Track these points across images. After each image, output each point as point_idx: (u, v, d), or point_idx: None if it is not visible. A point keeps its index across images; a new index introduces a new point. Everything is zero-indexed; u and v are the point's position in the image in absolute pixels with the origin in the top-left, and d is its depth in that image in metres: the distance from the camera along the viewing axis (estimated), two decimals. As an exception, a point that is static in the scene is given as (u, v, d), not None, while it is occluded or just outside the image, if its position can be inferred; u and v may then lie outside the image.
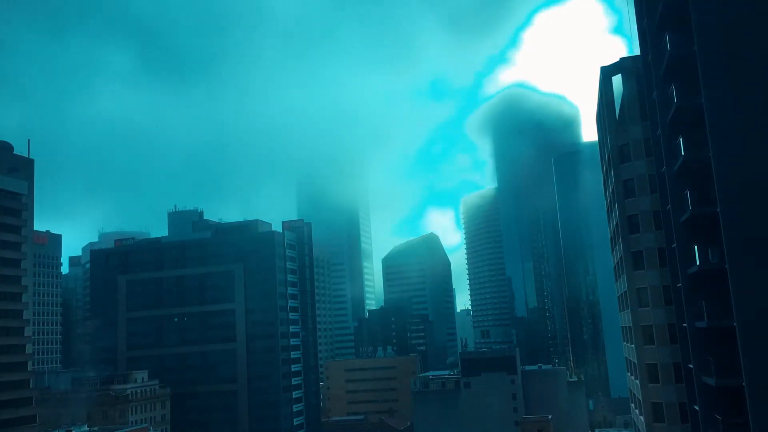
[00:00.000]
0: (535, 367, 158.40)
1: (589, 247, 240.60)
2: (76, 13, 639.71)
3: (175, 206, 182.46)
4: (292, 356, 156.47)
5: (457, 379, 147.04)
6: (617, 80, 61.02)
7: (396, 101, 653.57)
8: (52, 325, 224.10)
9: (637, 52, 56.62)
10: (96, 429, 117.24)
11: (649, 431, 56.10)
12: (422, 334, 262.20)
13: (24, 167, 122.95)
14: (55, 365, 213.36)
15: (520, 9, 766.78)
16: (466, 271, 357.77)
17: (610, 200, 66.90)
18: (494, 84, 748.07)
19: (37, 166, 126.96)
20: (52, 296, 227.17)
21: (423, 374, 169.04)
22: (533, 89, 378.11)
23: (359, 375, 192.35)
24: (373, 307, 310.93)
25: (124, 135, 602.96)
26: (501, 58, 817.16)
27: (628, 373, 66.64)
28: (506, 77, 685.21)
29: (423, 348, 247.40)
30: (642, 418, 58.75)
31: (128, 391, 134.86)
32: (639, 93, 57.27)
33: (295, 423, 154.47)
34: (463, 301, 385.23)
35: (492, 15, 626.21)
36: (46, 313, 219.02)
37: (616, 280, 68.52)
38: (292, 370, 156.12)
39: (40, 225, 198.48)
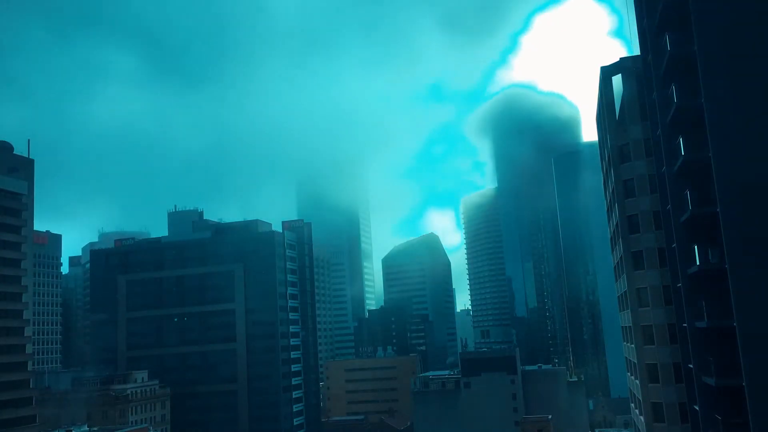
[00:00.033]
0: (535, 367, 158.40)
1: (589, 247, 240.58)
2: (77, 15, 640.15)
3: (175, 206, 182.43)
4: (292, 356, 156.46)
5: (457, 379, 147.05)
6: (617, 80, 61.02)
7: (396, 103, 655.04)
8: (52, 325, 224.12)
9: (636, 52, 56.74)
10: (96, 429, 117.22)
11: (649, 431, 56.10)
12: (422, 334, 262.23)
13: (24, 167, 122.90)
14: (55, 365, 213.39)
15: (519, 10, 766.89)
16: (466, 271, 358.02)
17: (610, 200, 66.91)
18: (494, 85, 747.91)
19: (37, 166, 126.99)
20: (52, 296, 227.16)
21: (423, 374, 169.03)
22: (533, 89, 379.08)
23: (359, 375, 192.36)
24: (373, 307, 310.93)
25: (124, 135, 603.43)
26: (501, 59, 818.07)
27: (628, 373, 66.64)
28: (506, 78, 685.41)
29: (423, 348, 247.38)
30: (642, 418, 58.75)
31: (128, 391, 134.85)
32: (639, 93, 57.27)
33: (295, 423, 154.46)
34: (463, 301, 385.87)
35: (492, 16, 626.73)
36: (46, 313, 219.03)
37: (616, 280, 68.52)
38: (292, 370, 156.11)
39: (40, 225, 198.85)
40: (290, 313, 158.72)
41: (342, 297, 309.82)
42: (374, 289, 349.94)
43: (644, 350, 56.87)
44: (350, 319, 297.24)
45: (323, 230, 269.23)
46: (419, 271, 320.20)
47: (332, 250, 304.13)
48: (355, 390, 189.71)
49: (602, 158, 71.58)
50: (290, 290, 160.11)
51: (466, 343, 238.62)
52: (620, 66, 60.40)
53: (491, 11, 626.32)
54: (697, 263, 43.17)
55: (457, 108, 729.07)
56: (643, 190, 57.20)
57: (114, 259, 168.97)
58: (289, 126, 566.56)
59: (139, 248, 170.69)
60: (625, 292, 60.53)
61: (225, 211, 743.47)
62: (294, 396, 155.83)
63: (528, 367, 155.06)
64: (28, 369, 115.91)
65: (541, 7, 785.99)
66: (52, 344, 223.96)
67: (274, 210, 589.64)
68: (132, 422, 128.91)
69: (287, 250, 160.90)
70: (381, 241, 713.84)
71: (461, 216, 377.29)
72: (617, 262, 66.32)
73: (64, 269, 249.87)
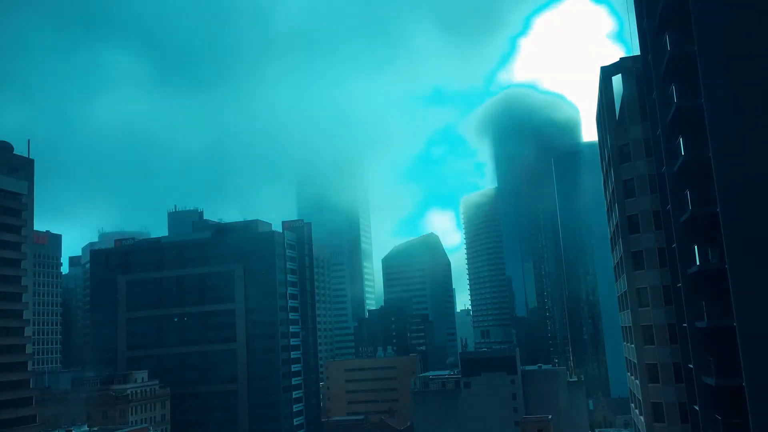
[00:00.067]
0: (535, 367, 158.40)
1: (589, 247, 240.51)
2: (78, 15, 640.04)
3: (175, 206, 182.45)
4: (292, 356, 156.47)
5: (457, 379, 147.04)
6: (617, 80, 61.04)
7: (396, 104, 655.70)
8: (52, 325, 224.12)
9: (635, 53, 56.71)
10: (96, 429, 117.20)
11: (649, 431, 56.10)
12: (422, 334, 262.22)
13: (24, 167, 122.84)
14: (55, 365, 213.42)
15: (519, 11, 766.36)
16: (466, 271, 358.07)
17: (610, 200, 66.91)
18: (495, 86, 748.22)
19: (37, 166, 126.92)
20: (52, 296, 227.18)
21: (423, 374, 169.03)
22: (533, 89, 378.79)
23: (359, 375, 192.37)
24: (373, 307, 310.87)
25: (124, 135, 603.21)
26: (502, 60, 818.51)
27: (628, 373, 66.64)
28: (507, 79, 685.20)
29: (423, 348, 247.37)
30: (642, 418, 58.75)
31: (128, 391, 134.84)
32: (639, 93, 57.27)
33: (295, 423, 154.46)
34: (463, 301, 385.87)
35: (492, 18, 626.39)
36: (46, 313, 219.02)
37: (616, 280, 68.52)
38: (292, 370, 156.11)
39: (40, 225, 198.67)
40: (290, 313, 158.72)
41: (342, 297, 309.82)
42: (374, 289, 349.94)
43: (644, 350, 56.87)
44: (350, 319, 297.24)
45: (323, 230, 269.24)
46: (419, 271, 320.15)
47: (332, 250, 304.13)
48: (355, 390, 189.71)
49: (602, 158, 71.58)
50: (290, 290, 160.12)
51: (466, 343, 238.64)
52: (620, 66, 60.40)
53: (491, 13, 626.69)
54: (697, 263, 43.17)
55: (457, 109, 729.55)
56: (643, 190, 57.21)
57: (114, 259, 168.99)
58: (289, 126, 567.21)
59: (139, 248, 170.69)
60: (625, 292, 60.53)
61: (225, 211, 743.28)
62: (294, 396, 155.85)
63: (528, 367, 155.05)
64: (28, 369, 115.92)
65: (541, 8, 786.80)
66: (52, 344, 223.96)
67: (274, 210, 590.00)
68: (132, 422, 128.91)
69: (287, 250, 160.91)
70: (381, 241, 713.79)
71: (461, 216, 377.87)
72: (617, 262, 66.32)
73: (64, 269, 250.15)
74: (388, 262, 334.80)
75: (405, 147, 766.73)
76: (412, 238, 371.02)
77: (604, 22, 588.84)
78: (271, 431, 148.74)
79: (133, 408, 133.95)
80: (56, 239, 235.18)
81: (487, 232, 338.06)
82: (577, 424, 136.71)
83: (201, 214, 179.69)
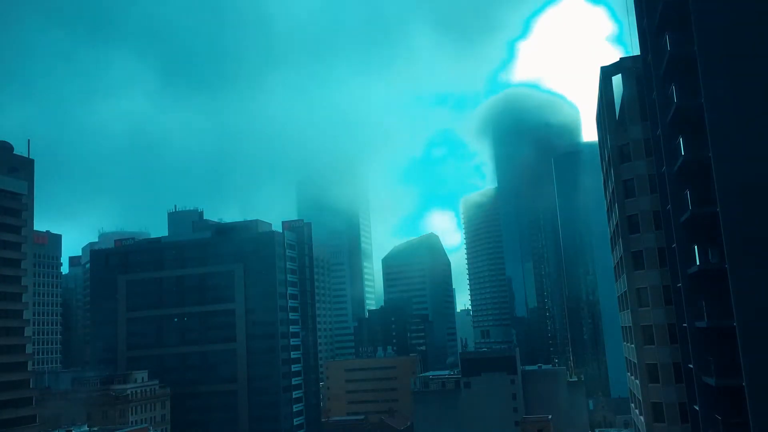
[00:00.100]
0: (535, 367, 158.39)
1: (589, 247, 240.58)
2: (79, 15, 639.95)
3: (175, 206, 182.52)
4: (292, 356, 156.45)
5: (457, 379, 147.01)
6: (617, 80, 61.04)
7: (397, 106, 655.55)
8: (52, 325, 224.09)
9: (635, 52, 56.71)
10: (96, 429, 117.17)
11: (649, 431, 56.10)
12: (422, 334, 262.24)
13: (24, 167, 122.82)
14: (55, 365, 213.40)
15: (519, 12, 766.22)
16: (466, 271, 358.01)
17: (610, 200, 66.92)
18: (495, 87, 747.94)
19: (37, 166, 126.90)
20: (52, 296, 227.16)
21: (423, 374, 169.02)
22: (533, 88, 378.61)
23: (359, 375, 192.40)
24: (373, 307, 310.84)
25: (124, 135, 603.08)
26: (502, 62, 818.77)
27: (628, 373, 66.65)
28: (507, 80, 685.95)
29: (423, 348, 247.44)
30: (642, 418, 58.75)
31: (128, 391, 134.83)
32: (639, 93, 57.27)
33: (295, 423, 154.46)
34: (463, 301, 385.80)
35: (492, 18, 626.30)
36: (46, 313, 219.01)
37: (616, 280, 68.52)
38: (292, 370, 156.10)
39: (40, 225, 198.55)
40: (290, 313, 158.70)
41: (342, 297, 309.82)
42: (374, 289, 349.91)
43: (644, 350, 56.88)
44: (350, 319, 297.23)
45: (323, 230, 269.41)
46: (419, 271, 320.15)
47: (332, 250, 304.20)
48: (355, 390, 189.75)
49: (602, 158, 71.59)
50: (290, 290, 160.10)
51: (466, 343, 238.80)
52: (620, 66, 60.41)
53: (491, 14, 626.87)
54: (697, 263, 43.17)
55: (457, 111, 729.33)
56: (643, 190, 57.21)
57: (114, 259, 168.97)
58: (289, 127, 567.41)
59: (139, 248, 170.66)
60: (625, 292, 60.53)
61: (225, 211, 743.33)
62: (294, 396, 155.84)
63: (528, 367, 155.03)
64: (28, 369, 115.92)
65: (541, 8, 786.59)
66: (52, 344, 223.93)
67: (274, 210, 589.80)
68: (132, 422, 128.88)
69: (287, 250, 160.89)
70: (381, 241, 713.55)
71: (461, 216, 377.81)
72: (617, 262, 66.32)
73: (64, 269, 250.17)
74: (388, 262, 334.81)
75: (405, 148, 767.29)
76: (412, 238, 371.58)
77: (603, 22, 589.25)
78: (271, 431, 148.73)
79: (133, 408, 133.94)
80: (56, 239, 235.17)
81: (487, 232, 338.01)
82: (577, 424, 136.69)
83: (201, 214, 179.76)
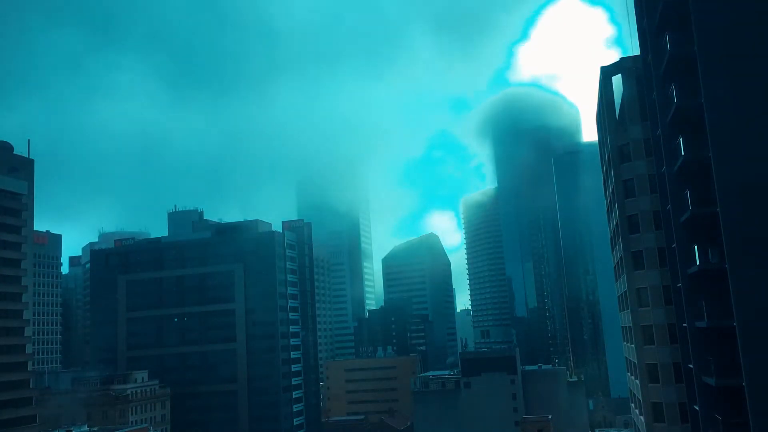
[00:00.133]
0: (535, 367, 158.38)
1: (589, 247, 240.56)
2: (81, 16, 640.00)
3: (175, 206, 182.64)
4: (292, 356, 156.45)
5: (457, 379, 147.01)
6: (617, 80, 61.05)
7: (397, 107, 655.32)
8: (52, 325, 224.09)
9: (634, 53, 56.70)
10: (96, 429, 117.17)
11: (649, 431, 56.10)
12: (422, 334, 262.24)
13: (24, 167, 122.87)
14: (55, 365, 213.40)
15: (519, 13, 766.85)
16: (466, 271, 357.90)
17: (610, 200, 66.92)
18: (495, 88, 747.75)
19: (37, 166, 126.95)
20: (52, 296, 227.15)
21: (423, 374, 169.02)
22: (533, 88, 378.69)
23: (359, 375, 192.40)
24: (373, 307, 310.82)
25: (124, 135, 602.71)
26: (501, 62, 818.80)
27: (628, 373, 66.64)
28: (507, 79, 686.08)
29: (423, 348, 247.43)
30: (642, 418, 58.75)
31: (128, 391, 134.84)
32: (639, 93, 57.26)
33: (295, 423, 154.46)
34: (463, 301, 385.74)
35: (492, 20, 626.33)
36: (46, 313, 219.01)
37: (616, 280, 68.52)
38: (292, 370, 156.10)
39: (40, 225, 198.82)
40: (290, 313, 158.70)
41: (342, 297, 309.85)
42: (374, 289, 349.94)
43: (644, 350, 56.87)
44: (350, 319, 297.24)
45: (323, 230, 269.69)
46: (419, 271, 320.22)
47: (332, 250, 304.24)
48: (355, 390, 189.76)
49: (602, 158, 71.60)
50: (290, 290, 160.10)
51: (466, 343, 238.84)
52: (620, 66, 60.42)
53: (491, 16, 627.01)
54: (697, 263, 43.17)
55: (457, 112, 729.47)
56: (643, 190, 57.21)
57: (114, 259, 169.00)
58: (289, 128, 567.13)
59: (139, 248, 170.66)
60: (625, 292, 60.53)
61: (225, 211, 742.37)
62: (294, 396, 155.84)
63: (528, 367, 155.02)
64: (28, 369, 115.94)
65: (540, 8, 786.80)
66: (52, 344, 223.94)
67: (274, 210, 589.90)
68: (132, 422, 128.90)
69: (287, 250, 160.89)
70: (381, 241, 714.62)
71: (461, 216, 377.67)
72: (617, 262, 66.32)
73: (64, 269, 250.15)
74: (388, 262, 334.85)
75: (405, 148, 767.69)
76: (412, 238, 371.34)
77: (602, 23, 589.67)
78: (271, 431, 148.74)
79: (133, 408, 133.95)
80: (56, 239, 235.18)
81: (487, 232, 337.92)
82: (577, 424, 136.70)
83: (201, 214, 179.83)
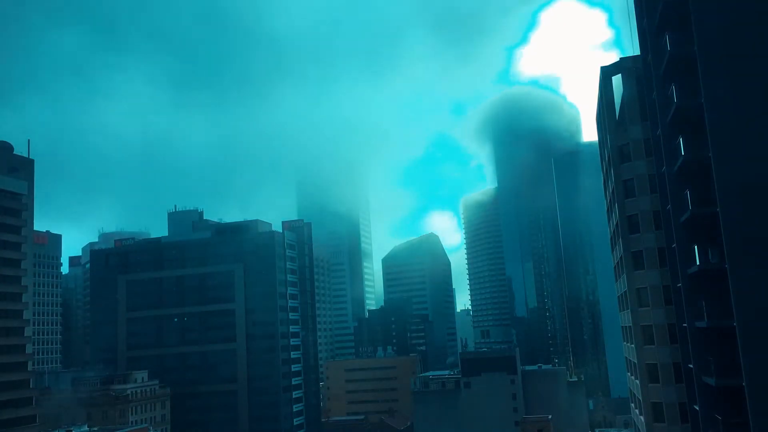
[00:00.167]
0: (535, 367, 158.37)
1: (589, 247, 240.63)
2: (81, 16, 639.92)
3: (175, 206, 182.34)
4: (292, 356, 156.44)
5: (457, 379, 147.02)
6: (617, 80, 61.04)
7: (397, 108, 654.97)
8: (52, 325, 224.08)
9: (634, 53, 56.69)
10: (96, 429, 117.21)
11: (649, 431, 56.10)
12: (422, 334, 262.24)
13: (24, 167, 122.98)
14: (55, 365, 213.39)
15: (519, 13, 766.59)
16: (466, 271, 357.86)
17: (610, 200, 66.92)
18: (495, 88, 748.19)
19: (37, 166, 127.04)
20: (52, 296, 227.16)
21: (423, 374, 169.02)
22: (533, 87, 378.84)
23: (359, 375, 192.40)
24: (373, 307, 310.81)
25: (124, 135, 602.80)
26: (502, 63, 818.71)
27: (628, 373, 66.65)
28: (507, 80, 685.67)
29: (423, 348, 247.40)
30: (642, 418, 58.75)
31: (128, 391, 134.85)
32: (639, 93, 57.26)
33: (295, 423, 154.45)
34: (463, 301, 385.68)
35: (492, 21, 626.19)
36: (46, 313, 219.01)
37: (616, 280, 68.52)
38: (292, 370, 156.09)
39: (40, 225, 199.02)
40: (290, 313, 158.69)
41: (342, 297, 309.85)
42: (374, 289, 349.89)
43: (644, 350, 56.87)
44: (350, 319, 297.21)
45: (323, 231, 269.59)
46: (419, 271, 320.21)
47: (332, 250, 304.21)
48: (355, 390, 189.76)
49: (602, 158, 71.60)
50: (290, 290, 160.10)
51: (466, 343, 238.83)
52: (620, 66, 60.41)
53: (491, 17, 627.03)
54: (697, 263, 43.16)
55: (457, 112, 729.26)
56: (643, 190, 57.21)
57: (114, 259, 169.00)
58: (290, 128, 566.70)
59: (139, 248, 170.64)
60: (625, 292, 60.53)
61: (225, 211, 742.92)
62: (294, 396, 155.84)
63: (528, 367, 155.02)
64: (28, 369, 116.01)
65: (539, 10, 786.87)
66: (52, 344, 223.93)
67: (274, 210, 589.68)
68: (132, 422, 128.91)
69: (287, 250, 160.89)
70: (381, 241, 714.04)
71: (461, 216, 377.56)
72: (617, 262, 66.32)
73: (64, 269, 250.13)
74: (388, 262, 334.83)
75: (405, 149, 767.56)
76: (412, 238, 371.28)
77: (601, 23, 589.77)
78: (271, 431, 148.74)
79: (133, 408, 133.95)
80: (56, 239, 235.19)
81: (487, 232, 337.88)
82: (577, 424, 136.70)
83: (201, 214, 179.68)
